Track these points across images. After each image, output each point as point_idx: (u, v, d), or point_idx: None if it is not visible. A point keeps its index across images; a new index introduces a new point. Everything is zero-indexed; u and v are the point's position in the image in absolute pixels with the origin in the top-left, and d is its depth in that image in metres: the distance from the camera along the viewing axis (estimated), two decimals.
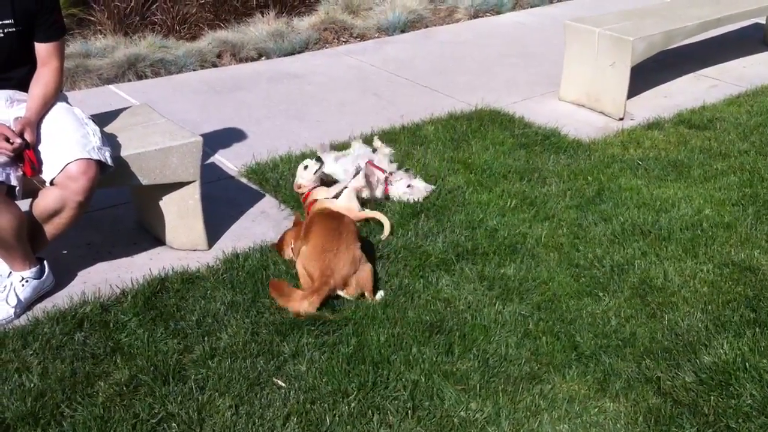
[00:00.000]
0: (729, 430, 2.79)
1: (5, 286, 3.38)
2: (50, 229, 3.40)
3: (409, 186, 4.34)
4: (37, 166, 3.27)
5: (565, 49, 5.97)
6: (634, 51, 5.54)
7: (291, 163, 4.74)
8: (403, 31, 8.00)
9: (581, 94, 5.95)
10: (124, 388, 2.91)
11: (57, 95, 3.51)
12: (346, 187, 4.16)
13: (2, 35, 3.34)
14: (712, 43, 7.33)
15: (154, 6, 7.48)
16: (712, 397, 2.93)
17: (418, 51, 7.41)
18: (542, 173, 4.74)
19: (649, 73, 6.40)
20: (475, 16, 8.67)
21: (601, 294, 3.56)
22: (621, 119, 5.72)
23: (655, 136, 5.36)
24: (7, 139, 3.17)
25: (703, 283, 3.65)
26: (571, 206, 4.34)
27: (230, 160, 4.92)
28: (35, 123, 3.35)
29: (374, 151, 4.58)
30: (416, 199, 4.29)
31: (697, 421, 2.82)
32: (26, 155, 3.23)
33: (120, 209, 4.29)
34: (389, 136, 5.17)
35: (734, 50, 7.21)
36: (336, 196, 4.12)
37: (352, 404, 2.85)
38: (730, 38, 7.51)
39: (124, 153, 3.54)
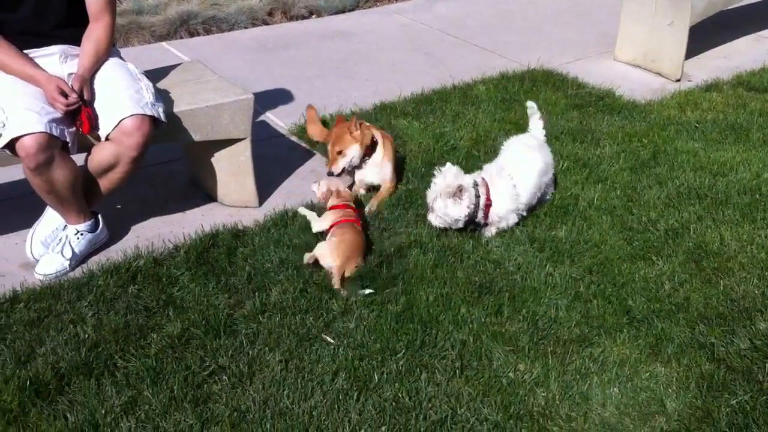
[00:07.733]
0: None
1: (60, 239, 3.44)
2: (105, 183, 3.45)
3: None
4: (95, 123, 3.30)
5: (622, 8, 5.82)
6: (693, 10, 5.38)
7: None
8: None
9: (637, 54, 5.81)
10: (176, 341, 2.95)
11: (109, 50, 3.51)
12: None
13: None
14: None
15: None
16: (766, 364, 2.87)
17: (469, 10, 7.29)
18: (596, 135, 4.66)
19: (707, 33, 6.21)
20: None
21: (654, 258, 3.50)
22: (678, 80, 5.58)
23: (713, 98, 5.22)
24: (64, 95, 3.20)
25: (761, 249, 3.56)
26: (625, 168, 4.26)
27: (280, 119, 4.92)
28: (89, 79, 3.37)
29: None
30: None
31: (751, 387, 2.78)
32: (85, 112, 3.25)
33: (173, 165, 4.32)
34: (440, 96, 5.13)
35: None
36: None
37: (401, 362, 2.86)
38: None
39: (176, 109, 3.57)
